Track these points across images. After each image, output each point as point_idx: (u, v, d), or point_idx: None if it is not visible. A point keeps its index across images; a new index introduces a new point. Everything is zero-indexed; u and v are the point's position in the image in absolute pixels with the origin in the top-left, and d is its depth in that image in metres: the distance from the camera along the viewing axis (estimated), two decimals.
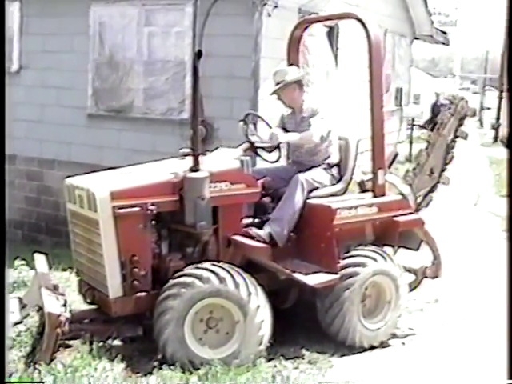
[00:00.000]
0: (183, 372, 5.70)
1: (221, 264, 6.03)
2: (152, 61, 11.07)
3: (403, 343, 7.10)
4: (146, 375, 5.71)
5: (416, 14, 18.55)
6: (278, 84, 7.01)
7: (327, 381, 6.03)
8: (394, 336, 7.19)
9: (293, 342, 6.68)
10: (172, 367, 5.70)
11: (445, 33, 21.86)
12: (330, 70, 12.65)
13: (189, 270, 5.96)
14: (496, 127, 35.25)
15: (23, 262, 7.96)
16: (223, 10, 10.14)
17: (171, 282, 5.89)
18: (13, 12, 12.25)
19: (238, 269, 6.05)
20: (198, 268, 5.95)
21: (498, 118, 35.88)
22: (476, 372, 6.33)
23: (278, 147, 6.96)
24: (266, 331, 6.04)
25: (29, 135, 12.26)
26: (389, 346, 6.97)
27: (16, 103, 12.15)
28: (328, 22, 11.37)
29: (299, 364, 6.35)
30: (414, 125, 22.53)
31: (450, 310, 8.17)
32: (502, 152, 27.42)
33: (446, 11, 39.31)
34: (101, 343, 5.95)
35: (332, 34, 12.61)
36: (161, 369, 5.70)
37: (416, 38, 19.72)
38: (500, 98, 37.11)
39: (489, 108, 40.02)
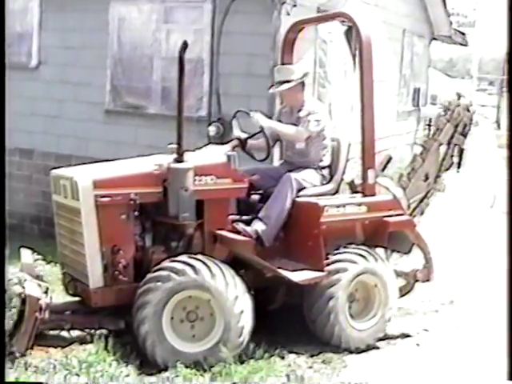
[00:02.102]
0: (197, 369, 5.72)
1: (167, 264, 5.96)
2: (170, 58, 11.06)
3: (418, 344, 7.09)
4: (160, 372, 5.72)
5: (435, 14, 18.47)
6: (282, 82, 6.95)
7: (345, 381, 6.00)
8: (408, 336, 7.20)
9: (307, 342, 6.68)
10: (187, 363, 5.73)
11: (463, 33, 21.77)
12: (348, 70, 12.63)
13: (144, 285, 5.88)
14: None
15: (40, 256, 7.97)
16: (242, 8, 10.23)
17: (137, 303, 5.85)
18: (32, 7, 12.29)
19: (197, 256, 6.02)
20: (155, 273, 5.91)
21: None
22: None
23: (268, 147, 6.93)
24: (245, 322, 6.00)
25: (46, 130, 12.29)
26: (376, 348, 6.90)
27: (34, 98, 12.22)
28: (339, 21, 11.30)
29: (313, 363, 6.34)
30: (431, 125, 22.44)
31: (465, 312, 8.15)
32: None
33: (464, 12, 39.14)
34: (116, 338, 5.99)
35: (350, 34, 12.58)
36: (175, 365, 5.71)
37: (434, 39, 19.64)
38: None
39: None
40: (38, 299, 5.62)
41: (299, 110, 7.01)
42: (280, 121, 7.18)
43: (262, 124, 6.74)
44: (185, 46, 5.96)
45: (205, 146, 7.13)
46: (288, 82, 6.91)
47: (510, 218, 8.47)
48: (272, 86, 7.27)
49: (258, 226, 6.57)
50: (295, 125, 6.92)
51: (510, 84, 7.57)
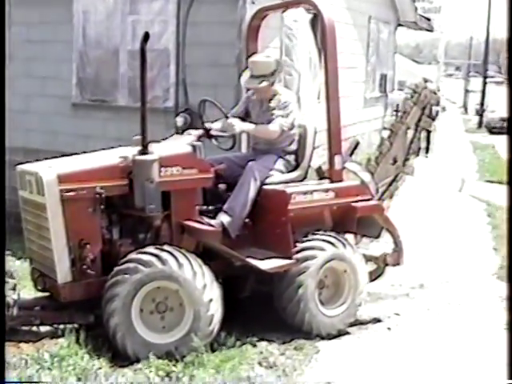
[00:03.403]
0: (170, 360, 5.73)
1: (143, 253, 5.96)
2: (136, 49, 10.96)
3: (389, 328, 7.13)
4: (132, 363, 5.72)
5: (400, 0, 18.56)
6: (256, 76, 6.85)
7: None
8: (379, 321, 7.26)
9: (279, 328, 6.70)
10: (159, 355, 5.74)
11: (429, 19, 21.92)
12: (312, 58, 12.66)
13: (112, 278, 5.86)
14: (480, 113, 35.37)
15: (9, 252, 7.95)
16: None
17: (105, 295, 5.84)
18: None
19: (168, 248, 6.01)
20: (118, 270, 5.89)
21: (482, 104, 36.00)
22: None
23: (233, 135, 6.92)
24: (215, 311, 6.00)
25: (14, 125, 12.21)
26: (348, 333, 6.93)
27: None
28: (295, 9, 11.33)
29: (285, 350, 6.36)
30: (398, 111, 22.57)
31: (435, 295, 8.21)
32: (485, 138, 27.62)
33: None
34: (88, 332, 5.98)
35: (316, 22, 12.61)
36: (147, 357, 5.72)
37: (400, 25, 19.75)
38: (484, 84, 37.28)
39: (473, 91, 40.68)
40: (5, 296, 5.60)
41: (270, 100, 6.99)
42: (248, 106, 7.20)
43: (237, 130, 6.74)
44: (146, 37, 5.96)
45: (169, 136, 7.12)
46: (263, 76, 6.85)
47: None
48: (243, 72, 7.19)
49: (223, 218, 6.55)
50: (264, 114, 6.93)
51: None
